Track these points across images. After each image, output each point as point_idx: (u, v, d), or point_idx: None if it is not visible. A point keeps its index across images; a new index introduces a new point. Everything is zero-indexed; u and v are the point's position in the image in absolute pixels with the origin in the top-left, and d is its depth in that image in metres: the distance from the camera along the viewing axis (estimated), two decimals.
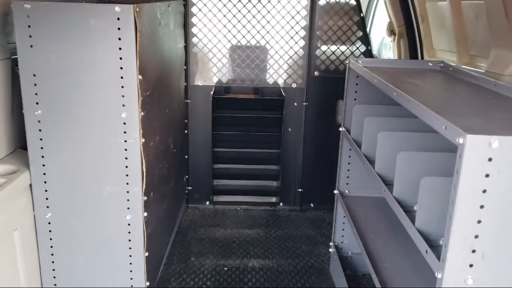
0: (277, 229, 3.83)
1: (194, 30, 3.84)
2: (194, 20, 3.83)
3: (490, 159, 1.31)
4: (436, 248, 1.53)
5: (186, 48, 3.83)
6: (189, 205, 4.19)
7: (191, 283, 3.01)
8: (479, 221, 1.36)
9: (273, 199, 4.22)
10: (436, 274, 1.45)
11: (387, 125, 2.31)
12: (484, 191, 1.34)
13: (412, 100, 1.70)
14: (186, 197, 4.17)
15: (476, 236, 1.38)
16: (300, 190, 4.18)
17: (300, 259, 3.37)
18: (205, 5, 3.81)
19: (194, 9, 3.81)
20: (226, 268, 3.20)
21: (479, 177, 1.32)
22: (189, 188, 4.17)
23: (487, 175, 1.32)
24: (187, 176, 4.12)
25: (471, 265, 1.40)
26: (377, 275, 2.17)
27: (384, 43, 5.73)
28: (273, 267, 3.24)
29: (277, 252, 3.44)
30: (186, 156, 4.07)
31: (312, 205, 4.22)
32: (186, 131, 4.00)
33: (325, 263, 3.32)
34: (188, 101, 3.96)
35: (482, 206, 1.35)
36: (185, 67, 3.86)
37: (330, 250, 3.22)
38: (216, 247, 3.49)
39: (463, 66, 3.18)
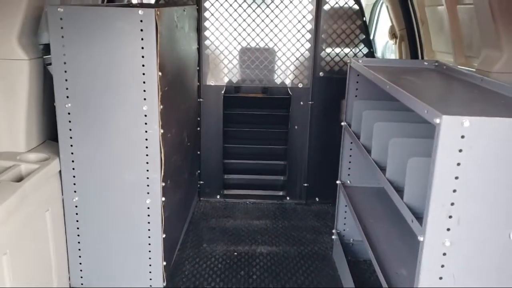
0: (283, 220, 4.06)
1: (206, 33, 4.11)
2: (206, 24, 4.09)
3: (462, 136, 1.54)
4: (421, 219, 1.76)
5: (199, 50, 4.09)
6: (201, 199, 4.43)
7: (203, 266, 3.25)
8: (454, 190, 1.59)
9: (280, 193, 4.45)
10: (418, 237, 1.68)
11: (383, 117, 2.55)
12: (458, 164, 1.57)
13: (401, 90, 1.94)
14: (198, 191, 4.41)
15: (452, 204, 1.61)
16: (305, 184, 4.41)
17: (305, 246, 3.60)
18: (217, 10, 4.07)
19: (207, 14, 4.07)
20: (235, 253, 3.43)
21: (453, 152, 1.56)
22: (201, 182, 4.41)
23: (460, 150, 1.56)
24: (199, 171, 4.36)
25: (448, 229, 1.63)
26: (376, 260, 2.35)
27: (388, 46, 5.96)
28: (279, 253, 3.47)
29: (283, 240, 3.68)
30: (198, 152, 4.31)
31: (317, 199, 4.44)
32: (198, 128, 4.25)
33: (328, 250, 3.55)
34: (201, 100, 4.22)
35: (456, 177, 1.58)
36: (198, 68, 4.12)
37: (333, 237, 3.45)
38: (226, 235, 3.72)
39: (458, 66, 3.41)
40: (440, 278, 1.69)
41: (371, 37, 6.10)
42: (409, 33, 4.46)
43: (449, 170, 1.58)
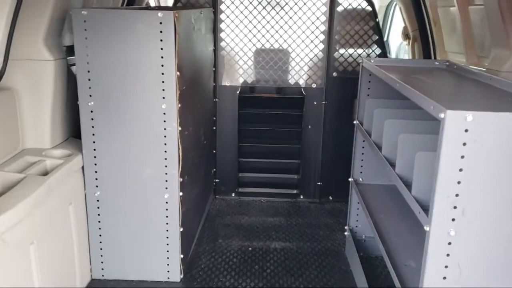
0: (297, 218, 4.15)
1: (222, 35, 4.22)
2: (222, 26, 4.20)
3: (466, 130, 1.62)
4: (428, 210, 1.83)
5: (215, 51, 4.21)
6: (217, 197, 4.54)
7: (219, 260, 3.35)
8: (459, 182, 1.67)
9: (294, 192, 4.53)
10: (425, 227, 1.76)
11: (393, 115, 2.62)
12: (462, 157, 1.65)
13: (409, 88, 2.02)
14: (214, 189, 4.52)
15: (457, 195, 1.68)
16: (319, 183, 4.49)
17: (318, 242, 3.68)
18: (232, 12, 4.18)
19: (222, 16, 4.18)
20: (250, 249, 3.53)
21: (457, 146, 1.64)
22: (217, 180, 4.52)
23: (464, 144, 1.63)
24: (214, 169, 4.47)
25: (453, 219, 1.71)
26: (388, 256, 2.40)
27: (401, 47, 6.01)
28: (293, 249, 3.56)
29: (297, 237, 3.76)
30: (214, 151, 4.42)
31: (330, 197, 4.52)
32: (214, 128, 4.36)
33: (341, 246, 3.62)
34: (216, 100, 4.32)
35: (461, 169, 1.66)
36: (214, 69, 4.23)
37: (345, 233, 3.53)
38: (241, 231, 3.82)
39: (470, 66, 3.46)
40: (446, 267, 1.76)
41: (385, 39, 6.17)
42: (421, 34, 4.51)
43: (453, 163, 1.65)
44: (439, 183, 1.67)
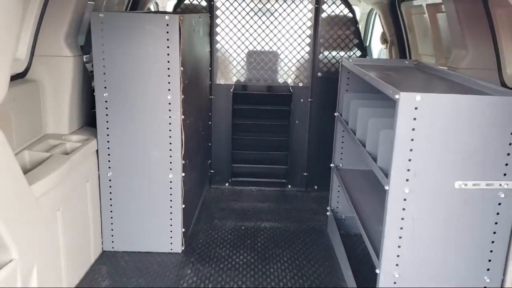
0: (285, 203, 4.57)
1: (218, 38, 4.65)
2: (218, 29, 4.63)
3: (416, 108, 2.06)
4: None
5: (211, 52, 4.64)
6: (212, 186, 4.94)
7: (215, 236, 3.76)
8: (411, 150, 2.11)
9: (283, 181, 4.95)
10: (385, 187, 2.20)
11: (366, 104, 3.07)
12: (413, 129, 2.09)
13: (375, 78, 2.47)
14: (209, 178, 4.92)
15: (410, 160, 2.13)
16: (305, 174, 4.92)
17: (303, 223, 4.11)
18: (227, 17, 4.62)
19: (218, 21, 4.62)
20: (243, 227, 3.94)
21: (409, 120, 2.08)
22: (212, 171, 4.93)
23: (414, 119, 2.08)
24: (210, 161, 4.88)
25: (407, 180, 2.15)
26: (366, 233, 2.73)
27: (382, 51, 6.48)
28: (280, 228, 3.98)
29: (284, 218, 4.18)
30: (210, 144, 4.84)
31: (316, 187, 4.94)
32: (210, 122, 4.78)
33: (323, 226, 4.05)
34: (212, 97, 4.75)
35: (412, 139, 2.10)
36: (210, 68, 4.66)
37: (328, 214, 3.96)
38: (235, 214, 4.23)
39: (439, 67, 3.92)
40: (402, 218, 2.20)
41: (367, 43, 6.65)
42: (398, 38, 4.99)
43: (406, 134, 2.10)
44: (396, 150, 2.12)
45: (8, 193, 2.15)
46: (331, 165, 3.86)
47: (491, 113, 2.08)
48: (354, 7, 4.88)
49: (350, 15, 4.65)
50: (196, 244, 3.59)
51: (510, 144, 2.11)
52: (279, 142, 4.89)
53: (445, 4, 3.37)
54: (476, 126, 2.10)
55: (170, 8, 6.21)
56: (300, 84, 4.75)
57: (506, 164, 2.14)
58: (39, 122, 3.13)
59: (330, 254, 3.60)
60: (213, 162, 4.90)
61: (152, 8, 5.71)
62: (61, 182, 2.73)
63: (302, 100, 4.77)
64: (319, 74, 4.71)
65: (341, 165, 3.81)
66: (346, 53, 4.70)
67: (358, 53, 4.71)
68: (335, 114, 3.75)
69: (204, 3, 4.58)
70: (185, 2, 4.63)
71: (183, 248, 3.46)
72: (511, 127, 2.09)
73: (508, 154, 2.13)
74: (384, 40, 5.22)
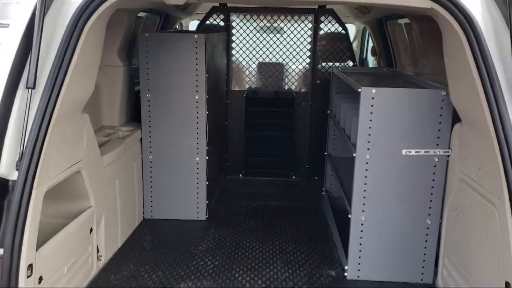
0: (289, 189, 5.46)
1: (233, 52, 5.62)
2: (233, 45, 5.60)
3: (373, 98, 2.98)
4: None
5: (227, 64, 5.59)
6: (228, 177, 5.84)
7: (232, 210, 4.66)
8: (370, 127, 3.02)
9: (288, 172, 5.83)
10: (353, 154, 3.11)
11: (349, 101, 3.97)
12: (371, 113, 3.00)
13: (348, 78, 3.39)
14: (225, 170, 5.83)
15: (369, 135, 3.03)
16: (307, 166, 5.80)
17: (303, 202, 4.99)
18: (241, 35, 5.58)
19: (233, 38, 5.59)
20: (254, 205, 4.84)
21: (368, 107, 2.99)
22: (228, 164, 5.84)
23: (372, 105, 2.99)
24: (226, 155, 5.80)
25: (368, 149, 3.06)
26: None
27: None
28: (284, 205, 4.87)
29: (288, 199, 5.08)
30: (226, 140, 5.76)
31: (316, 177, 5.81)
32: (226, 122, 5.71)
33: (320, 204, 4.92)
34: (228, 101, 5.69)
35: (371, 120, 3.01)
36: (226, 77, 5.61)
37: (323, 193, 4.85)
38: (247, 196, 5.13)
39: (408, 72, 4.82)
40: (365, 177, 3.11)
41: (364, 56, 7.57)
42: (385, 51, 5.88)
43: (367, 117, 3.01)
44: (360, 128, 3.04)
45: (90, 158, 3.10)
46: (325, 153, 4.76)
47: (425, 100, 2.99)
48: (349, 25, 5.82)
49: (344, 32, 5.58)
50: (217, 214, 4.51)
51: (439, 123, 3.02)
52: (284, 139, 5.78)
53: (412, 24, 4.29)
54: (415, 110, 3.01)
55: (192, 27, 7.25)
56: (302, 90, 5.68)
57: (438, 137, 3.04)
58: (98, 116, 4.09)
59: (324, 224, 4.47)
60: (229, 156, 5.80)
61: (178, 27, 6.71)
62: (118, 159, 3.68)
63: (303, 103, 5.68)
64: (318, 81, 5.62)
65: (333, 153, 4.71)
66: (340, 64, 5.62)
67: (351, 63, 5.63)
68: (328, 112, 4.67)
69: (222, 23, 5.56)
70: (206, 22, 5.61)
71: (206, 216, 4.38)
72: (439, 111, 2.99)
73: (439, 130, 3.03)
74: (374, 52, 6.14)
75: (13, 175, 2.34)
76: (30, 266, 2.38)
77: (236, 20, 5.56)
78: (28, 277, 2.36)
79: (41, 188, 2.43)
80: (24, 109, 2.34)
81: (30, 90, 2.34)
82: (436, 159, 3.07)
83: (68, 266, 2.84)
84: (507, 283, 2.31)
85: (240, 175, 5.84)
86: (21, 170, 2.30)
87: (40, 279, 2.51)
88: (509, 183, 2.26)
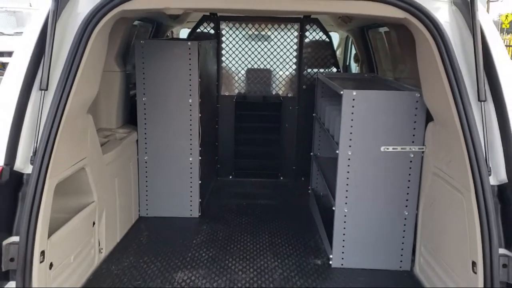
0: (277, 189, 5.72)
1: (223, 58, 5.88)
2: (223, 52, 5.87)
3: (353, 99, 3.27)
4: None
5: (217, 69, 5.86)
6: (218, 178, 6.09)
7: (224, 208, 4.90)
8: (351, 126, 3.31)
9: (276, 173, 6.09)
10: (336, 151, 3.39)
11: (332, 104, 4.26)
12: (352, 113, 3.29)
13: (331, 82, 3.68)
14: (216, 172, 6.08)
15: (351, 133, 3.32)
16: (294, 167, 6.07)
17: (291, 200, 5.26)
18: (230, 42, 5.86)
19: (223, 45, 5.86)
20: (244, 203, 5.09)
21: (350, 107, 3.28)
22: (218, 166, 6.08)
23: (353, 106, 3.28)
24: (216, 157, 6.05)
25: (350, 146, 3.34)
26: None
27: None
28: (273, 204, 5.13)
29: (276, 198, 5.33)
30: (217, 143, 6.01)
31: (302, 178, 6.08)
32: (216, 126, 5.96)
33: (307, 202, 5.19)
34: (218, 105, 5.95)
35: (352, 119, 3.30)
36: (217, 83, 5.87)
37: (309, 192, 5.12)
38: (238, 196, 5.38)
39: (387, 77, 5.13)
40: (348, 172, 3.39)
41: (348, 62, 7.90)
42: (367, 58, 6.20)
43: (348, 116, 3.30)
44: (342, 127, 3.32)
45: (93, 156, 3.33)
46: (311, 153, 5.04)
47: (401, 101, 3.29)
48: (333, 33, 6.13)
49: (328, 40, 5.89)
50: (209, 212, 4.75)
51: (414, 122, 3.32)
52: (272, 141, 6.05)
53: (390, 32, 4.61)
54: (392, 110, 3.31)
55: (182, 35, 7.50)
56: (289, 95, 5.96)
57: (413, 135, 3.34)
58: (96, 118, 4.30)
59: (309, 218, 4.73)
60: (219, 158, 6.05)
61: (169, 35, 6.97)
62: (117, 159, 3.92)
63: (290, 107, 5.96)
64: (304, 86, 5.91)
65: (318, 153, 4.99)
66: (325, 70, 5.92)
67: (334, 70, 5.94)
68: (314, 114, 4.96)
69: (212, 31, 5.83)
70: (197, 30, 5.87)
71: (199, 213, 4.62)
72: (414, 111, 3.29)
73: (414, 128, 3.33)
74: (356, 59, 6.46)
75: (28, 169, 2.56)
76: (42, 253, 2.60)
77: (225, 28, 5.83)
78: (40, 262, 2.58)
79: (53, 180, 2.66)
80: (37, 109, 2.57)
81: (43, 91, 2.58)
82: (412, 155, 3.37)
83: (74, 255, 3.07)
84: (473, 262, 2.60)
85: (230, 177, 6.08)
86: (35, 164, 2.53)
87: (51, 265, 2.73)
88: (474, 173, 2.56)
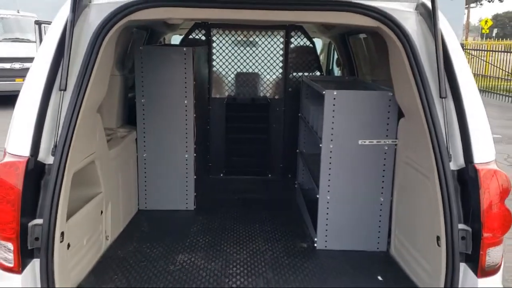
0: (266, 185, 6.11)
1: (214, 63, 6.28)
2: (214, 57, 6.26)
3: (334, 98, 3.68)
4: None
5: (209, 73, 6.24)
6: (210, 176, 6.45)
7: (217, 202, 5.28)
8: (333, 122, 3.73)
9: (264, 171, 6.48)
10: (319, 145, 3.80)
11: (316, 104, 4.67)
12: (333, 111, 3.71)
13: (315, 83, 4.09)
14: (208, 170, 6.44)
15: (332, 128, 3.73)
16: (281, 165, 6.46)
17: (280, 195, 5.66)
18: (220, 48, 6.25)
19: (214, 50, 6.25)
20: (236, 198, 5.47)
21: (331, 106, 3.69)
22: (209, 164, 6.45)
23: (334, 105, 3.69)
24: (208, 156, 6.42)
25: (331, 140, 3.76)
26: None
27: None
28: (263, 198, 5.53)
29: (265, 193, 5.73)
30: (208, 143, 6.38)
31: (289, 175, 6.47)
32: (208, 127, 6.33)
33: (293, 196, 5.58)
34: (210, 107, 6.33)
35: (333, 116, 3.72)
36: (208, 86, 6.25)
37: (295, 186, 5.52)
38: (229, 191, 5.75)
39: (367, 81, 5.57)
40: (330, 163, 3.80)
41: (331, 67, 8.34)
42: (348, 62, 6.63)
43: (330, 114, 3.72)
44: (325, 124, 3.73)
45: (101, 151, 3.69)
46: (297, 150, 5.44)
47: (376, 100, 3.72)
48: (316, 39, 6.56)
49: (312, 46, 6.32)
50: (203, 205, 5.12)
51: (388, 118, 3.74)
52: (261, 141, 6.44)
53: (368, 39, 5.05)
54: (368, 108, 3.73)
55: (174, 41, 7.87)
56: (276, 97, 6.37)
57: (387, 130, 3.77)
58: None
59: (296, 209, 5.13)
60: (211, 157, 6.42)
61: (162, 41, 7.34)
62: (120, 155, 4.28)
63: (277, 108, 6.36)
64: (290, 89, 6.32)
65: (304, 150, 5.40)
66: (309, 74, 6.33)
67: (318, 73, 6.36)
68: (299, 114, 5.37)
69: (203, 38, 6.22)
70: (189, 37, 6.26)
71: (195, 206, 4.99)
72: (387, 108, 3.72)
73: (388, 124, 3.75)
74: (339, 64, 6.90)
75: (49, 160, 2.91)
76: (62, 234, 2.95)
77: (216, 35, 6.23)
78: (61, 242, 2.93)
79: (71, 170, 3.02)
80: (57, 107, 2.93)
81: (62, 92, 2.94)
82: (386, 148, 3.79)
83: (87, 239, 3.42)
84: (437, 237, 3.02)
85: (221, 175, 6.45)
86: (56, 156, 2.88)
87: (68, 245, 3.08)
88: (437, 160, 2.97)
